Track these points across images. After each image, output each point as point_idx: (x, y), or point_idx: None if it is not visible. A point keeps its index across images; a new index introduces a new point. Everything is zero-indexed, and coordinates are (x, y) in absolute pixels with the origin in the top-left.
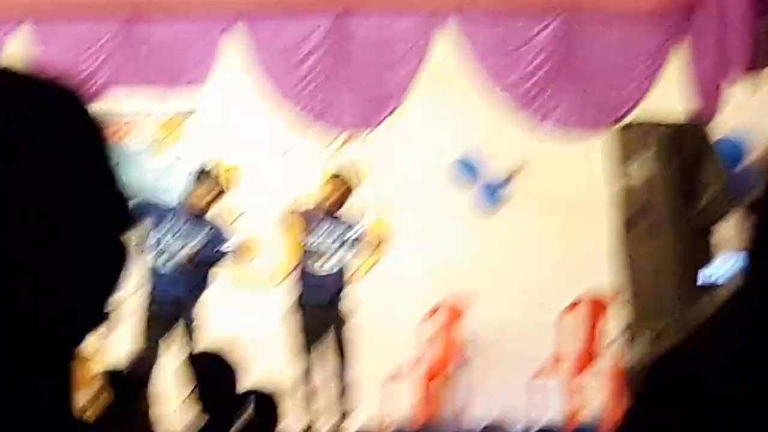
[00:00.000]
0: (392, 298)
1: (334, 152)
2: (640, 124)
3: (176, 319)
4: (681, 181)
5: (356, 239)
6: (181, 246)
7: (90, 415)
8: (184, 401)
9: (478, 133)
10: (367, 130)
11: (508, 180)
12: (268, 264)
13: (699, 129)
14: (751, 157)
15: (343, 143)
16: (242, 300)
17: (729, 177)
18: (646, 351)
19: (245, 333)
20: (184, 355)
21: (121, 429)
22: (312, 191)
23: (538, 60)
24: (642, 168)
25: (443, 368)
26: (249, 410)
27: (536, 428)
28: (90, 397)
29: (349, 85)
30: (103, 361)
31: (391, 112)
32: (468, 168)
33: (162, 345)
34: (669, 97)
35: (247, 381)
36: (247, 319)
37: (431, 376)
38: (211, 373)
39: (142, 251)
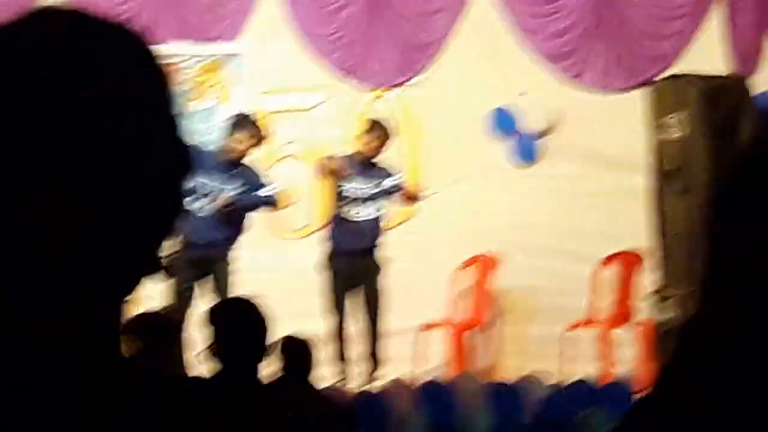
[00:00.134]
0: (427, 248)
1: (372, 101)
2: (680, 78)
3: (212, 264)
4: (718, 138)
5: (393, 187)
6: (219, 191)
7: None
8: (209, 347)
9: (516, 85)
10: (405, 81)
11: (545, 132)
12: (305, 210)
13: (739, 84)
14: None
15: (381, 93)
16: (278, 246)
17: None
18: (677, 311)
19: (280, 279)
20: (216, 301)
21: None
22: (350, 139)
23: (577, 13)
24: (680, 123)
25: (477, 320)
26: (281, 358)
27: (570, 381)
28: (125, 341)
29: (386, 36)
30: (138, 303)
31: (428, 63)
32: (505, 119)
33: (197, 289)
34: (709, 52)
35: (280, 329)
36: (282, 265)
37: (465, 328)
38: (242, 320)
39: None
